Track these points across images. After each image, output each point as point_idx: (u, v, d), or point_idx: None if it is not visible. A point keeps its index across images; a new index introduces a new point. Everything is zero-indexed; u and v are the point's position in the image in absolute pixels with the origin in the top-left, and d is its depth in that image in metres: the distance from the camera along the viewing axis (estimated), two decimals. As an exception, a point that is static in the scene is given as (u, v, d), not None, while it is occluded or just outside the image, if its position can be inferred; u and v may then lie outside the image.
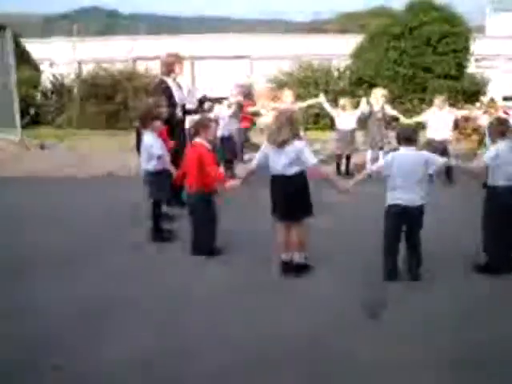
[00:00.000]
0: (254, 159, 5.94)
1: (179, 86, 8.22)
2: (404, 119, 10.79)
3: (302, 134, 5.76)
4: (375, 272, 5.58)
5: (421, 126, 9.76)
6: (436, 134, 10.20)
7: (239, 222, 7.20)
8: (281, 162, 5.53)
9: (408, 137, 5.53)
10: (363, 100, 11.04)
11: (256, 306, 5.00)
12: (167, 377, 3.90)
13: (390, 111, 10.99)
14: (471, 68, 19.00)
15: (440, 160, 5.70)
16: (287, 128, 5.50)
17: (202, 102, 8.81)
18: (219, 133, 9.61)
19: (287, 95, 10.53)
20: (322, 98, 11.11)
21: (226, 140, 10.08)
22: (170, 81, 8.06)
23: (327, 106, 11.20)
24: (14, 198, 8.97)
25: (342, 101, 11.39)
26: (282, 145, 5.48)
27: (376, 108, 10.75)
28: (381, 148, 10.79)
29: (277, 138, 5.52)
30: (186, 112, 8.32)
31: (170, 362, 4.07)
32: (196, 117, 7.92)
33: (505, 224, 5.65)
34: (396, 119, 11.36)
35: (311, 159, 5.55)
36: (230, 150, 10.13)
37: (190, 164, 6.17)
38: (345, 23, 43.84)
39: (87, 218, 7.85)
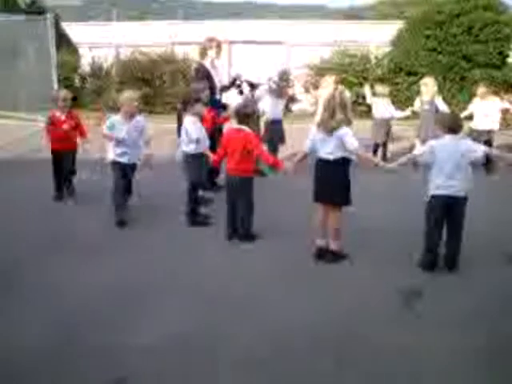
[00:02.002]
0: (305, 144, 5.93)
1: (216, 69, 8.24)
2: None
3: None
4: (412, 260, 5.55)
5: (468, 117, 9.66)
6: (480, 124, 10.02)
7: (278, 208, 7.21)
8: (328, 148, 5.53)
9: (451, 125, 5.45)
10: (417, 100, 10.70)
11: (289, 292, 5.00)
12: (203, 362, 3.94)
13: (441, 105, 10.50)
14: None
15: (481, 148, 5.59)
16: (339, 114, 5.49)
17: (235, 79, 8.74)
18: (267, 116, 9.66)
19: (329, 81, 10.26)
20: (366, 89, 11.12)
21: (272, 123, 9.99)
22: (207, 64, 8.10)
23: (368, 97, 11.12)
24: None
25: (379, 88, 11.29)
26: (332, 131, 5.47)
27: (425, 98, 10.42)
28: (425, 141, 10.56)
29: (328, 124, 5.50)
30: (221, 90, 8.32)
31: (207, 346, 4.11)
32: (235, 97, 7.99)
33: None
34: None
35: (354, 143, 5.50)
36: (276, 134, 10.05)
37: (234, 147, 6.20)
38: (383, 10, 43.28)
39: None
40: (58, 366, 3.84)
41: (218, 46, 8.20)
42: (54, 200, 7.75)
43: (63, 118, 7.65)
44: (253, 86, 9.26)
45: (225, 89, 8.49)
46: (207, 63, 8.11)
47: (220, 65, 8.15)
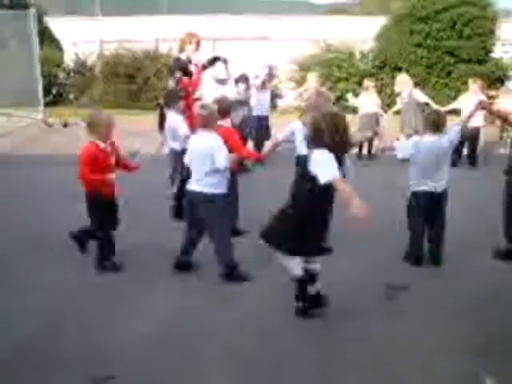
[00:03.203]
0: (282, 133, 5.90)
1: (190, 62, 8.16)
2: (435, 106, 10.54)
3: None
4: (397, 255, 5.58)
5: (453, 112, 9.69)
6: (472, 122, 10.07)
7: (259, 202, 7.20)
8: None
9: (433, 123, 5.45)
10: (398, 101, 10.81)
11: (272, 284, 5.01)
12: (190, 361, 3.94)
13: (420, 97, 10.63)
14: (497, 52, 18.72)
15: (456, 129, 5.55)
16: (326, 107, 5.46)
17: (213, 60, 8.60)
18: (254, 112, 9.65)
19: (311, 79, 10.35)
20: (349, 96, 11.22)
21: (258, 120, 9.96)
22: (184, 58, 8.04)
23: (352, 101, 11.18)
24: (34, 176, 9.05)
25: (366, 82, 11.33)
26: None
27: (404, 94, 10.51)
28: (409, 135, 10.64)
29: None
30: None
31: (193, 345, 4.11)
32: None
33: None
34: (426, 104, 11.19)
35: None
36: (261, 130, 10.01)
37: None
38: (368, 5, 43.39)
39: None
40: (44, 365, 3.82)
41: (197, 42, 8.14)
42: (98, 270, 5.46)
43: (109, 149, 5.38)
44: (246, 79, 9.24)
45: (205, 67, 8.35)
46: (183, 57, 8.05)
47: (199, 60, 8.08)
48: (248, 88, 9.53)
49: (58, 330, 4.26)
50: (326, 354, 3.98)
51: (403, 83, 10.67)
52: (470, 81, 10.72)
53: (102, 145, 5.24)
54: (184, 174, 6.64)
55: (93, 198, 5.28)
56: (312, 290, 4.42)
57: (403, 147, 5.75)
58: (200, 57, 8.13)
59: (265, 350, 4.01)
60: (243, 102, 8.82)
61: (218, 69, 8.32)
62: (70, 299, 4.78)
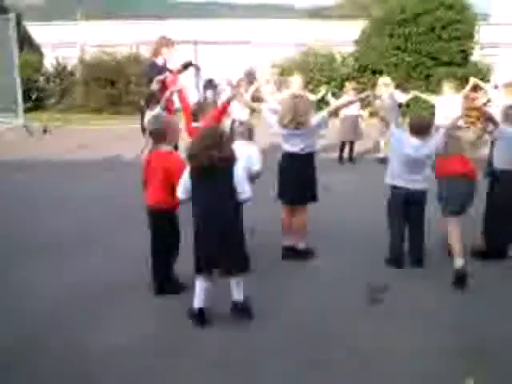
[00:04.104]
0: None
1: (168, 68, 8.14)
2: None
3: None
4: (378, 257, 5.60)
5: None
6: (445, 121, 10.16)
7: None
8: (297, 143, 5.51)
9: (418, 128, 5.44)
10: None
11: (255, 291, 5.00)
12: (170, 362, 3.92)
13: (400, 97, 10.74)
14: (476, 55, 18.90)
15: (441, 136, 5.58)
16: (306, 110, 5.48)
17: (186, 66, 8.57)
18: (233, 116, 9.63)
19: (296, 82, 10.15)
20: (324, 92, 11.15)
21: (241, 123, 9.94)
22: (159, 62, 8.00)
23: (332, 102, 11.16)
24: (16, 183, 8.98)
25: (348, 85, 11.36)
26: (301, 125, 5.43)
27: (385, 95, 10.57)
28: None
29: (296, 119, 5.42)
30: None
31: (173, 346, 4.09)
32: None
33: (504, 211, 5.66)
34: (400, 105, 11.28)
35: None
36: None
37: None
38: (348, 9, 43.58)
39: (90, 201, 7.85)
40: (23, 366, 3.79)
41: (172, 45, 8.12)
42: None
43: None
44: (214, 86, 9.22)
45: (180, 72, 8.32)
46: (159, 62, 8.01)
47: (172, 65, 8.05)
48: (216, 94, 9.54)
49: (37, 332, 4.21)
50: (311, 356, 3.98)
51: (385, 86, 10.74)
52: (445, 83, 10.83)
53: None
54: None
55: (174, 213, 4.88)
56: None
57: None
58: (174, 61, 8.11)
59: (241, 353, 4.00)
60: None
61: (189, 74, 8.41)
62: (49, 300, 4.75)
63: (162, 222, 4.77)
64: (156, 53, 8.05)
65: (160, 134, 4.78)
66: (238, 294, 4.43)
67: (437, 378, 3.74)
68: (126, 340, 4.14)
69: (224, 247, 4.23)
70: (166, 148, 4.79)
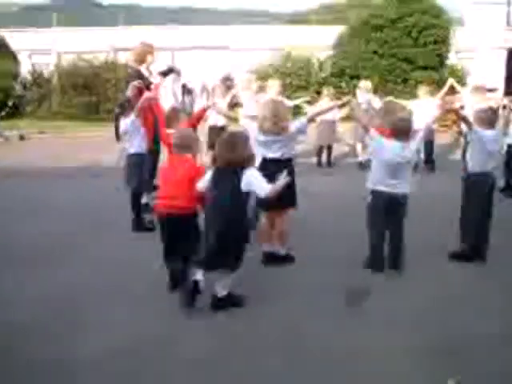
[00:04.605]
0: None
1: (152, 74, 8.10)
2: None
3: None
4: (357, 260, 5.62)
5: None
6: (420, 125, 10.24)
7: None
8: (276, 149, 5.50)
9: (397, 130, 5.46)
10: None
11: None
12: (153, 364, 3.89)
13: (375, 102, 10.79)
14: (452, 59, 19.14)
15: (419, 138, 5.65)
16: (286, 116, 5.48)
17: (165, 73, 8.54)
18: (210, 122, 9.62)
19: (273, 85, 10.04)
20: (301, 100, 11.17)
21: (214, 128, 9.90)
22: (143, 70, 7.96)
23: (308, 110, 11.18)
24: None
25: (325, 91, 11.41)
26: (281, 131, 5.41)
27: (361, 100, 10.64)
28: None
29: (277, 124, 5.38)
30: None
31: (155, 358, 4.06)
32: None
33: (478, 213, 5.72)
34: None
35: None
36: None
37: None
38: (325, 14, 43.84)
39: (66, 210, 7.77)
40: (4, 379, 3.73)
41: (152, 51, 8.08)
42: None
43: None
44: (189, 91, 9.21)
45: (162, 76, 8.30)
46: (142, 68, 7.95)
47: (154, 71, 8.01)
48: (193, 100, 9.53)
49: (16, 344, 4.16)
50: (285, 356, 3.97)
51: (366, 90, 10.81)
52: (420, 87, 10.95)
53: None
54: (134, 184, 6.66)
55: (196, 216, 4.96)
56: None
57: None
58: (156, 68, 8.09)
59: (226, 361, 3.99)
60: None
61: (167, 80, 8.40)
62: (29, 312, 4.68)
63: (187, 226, 4.88)
64: (141, 60, 7.97)
65: (186, 148, 4.99)
66: (221, 289, 4.60)
67: (411, 378, 3.75)
68: (103, 350, 4.10)
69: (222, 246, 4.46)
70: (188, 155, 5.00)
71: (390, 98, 11.67)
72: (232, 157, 4.50)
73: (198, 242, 4.72)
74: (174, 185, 4.87)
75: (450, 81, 10.88)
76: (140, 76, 7.75)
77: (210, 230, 4.52)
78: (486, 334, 4.32)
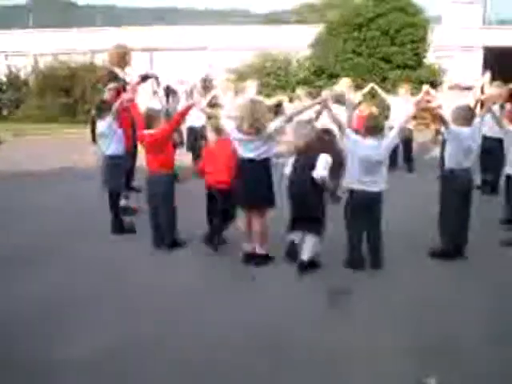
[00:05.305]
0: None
1: (127, 75, 8.04)
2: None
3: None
4: (338, 259, 5.62)
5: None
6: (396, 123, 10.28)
7: (199, 213, 7.14)
8: (254, 149, 5.49)
9: (373, 127, 5.52)
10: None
11: (218, 294, 4.99)
12: (140, 364, 3.87)
13: (356, 97, 10.82)
14: (429, 58, 19.23)
15: (394, 136, 5.65)
16: (265, 116, 5.51)
17: (144, 78, 8.47)
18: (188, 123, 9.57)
19: (251, 86, 10.07)
20: (280, 98, 11.11)
21: (192, 129, 9.85)
22: (119, 71, 7.89)
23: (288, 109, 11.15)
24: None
25: (299, 91, 11.38)
26: (259, 131, 5.42)
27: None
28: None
29: (255, 124, 5.41)
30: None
31: (141, 358, 4.03)
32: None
33: (457, 210, 5.75)
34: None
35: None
36: (196, 142, 9.92)
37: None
38: (304, 14, 43.91)
39: (47, 212, 7.68)
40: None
41: (128, 52, 8.03)
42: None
43: None
44: (173, 92, 9.16)
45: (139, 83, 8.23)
46: (118, 70, 7.87)
47: (130, 72, 7.96)
48: (178, 101, 9.50)
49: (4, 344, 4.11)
50: (271, 356, 3.96)
51: (348, 87, 10.79)
52: (400, 87, 11.02)
53: None
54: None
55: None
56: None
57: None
58: (132, 70, 8.04)
59: (213, 361, 3.96)
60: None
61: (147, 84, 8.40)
62: (17, 312, 4.65)
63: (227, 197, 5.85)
64: (117, 61, 7.90)
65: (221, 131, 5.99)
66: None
67: (397, 378, 3.76)
68: (90, 350, 4.06)
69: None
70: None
71: (372, 84, 11.57)
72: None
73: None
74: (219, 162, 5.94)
75: (425, 87, 10.90)
76: (116, 77, 7.70)
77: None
78: (472, 333, 4.35)
